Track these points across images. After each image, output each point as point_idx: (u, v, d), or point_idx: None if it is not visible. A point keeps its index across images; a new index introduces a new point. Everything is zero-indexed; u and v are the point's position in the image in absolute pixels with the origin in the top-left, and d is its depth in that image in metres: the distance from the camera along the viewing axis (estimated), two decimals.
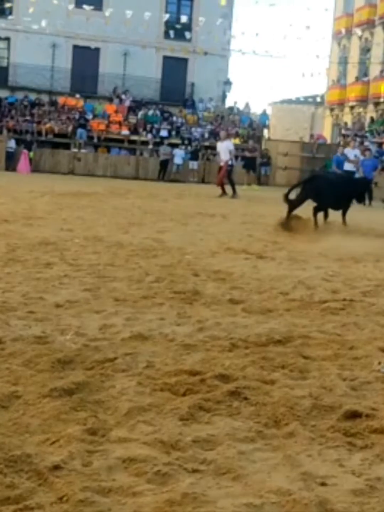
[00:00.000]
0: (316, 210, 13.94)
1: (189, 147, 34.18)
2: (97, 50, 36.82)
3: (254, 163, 32.48)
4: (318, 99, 50.25)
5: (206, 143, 34.44)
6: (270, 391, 4.22)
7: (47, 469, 3.09)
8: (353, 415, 3.90)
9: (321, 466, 3.29)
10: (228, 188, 22.38)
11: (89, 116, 34.26)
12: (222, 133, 25.94)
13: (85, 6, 34.42)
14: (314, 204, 14.01)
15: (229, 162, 23.22)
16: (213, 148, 34.46)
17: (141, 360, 4.71)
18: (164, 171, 31.85)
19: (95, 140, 33.59)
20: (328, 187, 14.13)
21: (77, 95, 35.22)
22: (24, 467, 3.11)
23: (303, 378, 4.55)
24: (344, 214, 14.52)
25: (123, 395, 4.04)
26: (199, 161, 32.94)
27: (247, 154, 32.35)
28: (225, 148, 23.25)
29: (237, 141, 35.18)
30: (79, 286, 7.11)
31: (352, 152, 25.48)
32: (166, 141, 32.99)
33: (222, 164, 23.22)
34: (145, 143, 33.73)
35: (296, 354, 5.06)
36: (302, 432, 3.65)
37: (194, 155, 33.12)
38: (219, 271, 8.42)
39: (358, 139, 33.11)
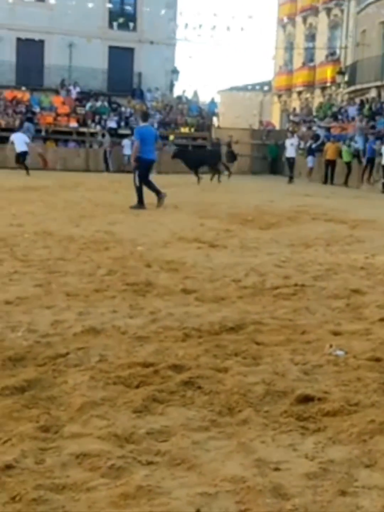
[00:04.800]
0: None
1: None
2: (41, 42, 36.32)
3: (234, 155, 33.61)
4: (266, 87, 50.48)
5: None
6: (223, 379, 4.23)
7: None
8: (306, 399, 3.94)
9: (275, 451, 3.31)
10: None
11: (36, 109, 33.81)
12: None
13: None
14: None
15: None
16: (164, 137, 34.47)
17: (93, 354, 4.68)
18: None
19: (43, 133, 33.21)
20: None
21: (23, 88, 34.69)
22: None
23: (256, 365, 4.57)
24: None
25: (76, 390, 4.01)
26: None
27: (233, 149, 33.80)
28: None
29: (186, 130, 35.18)
30: (29, 282, 7.04)
31: (289, 141, 28.93)
32: (112, 132, 32.73)
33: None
34: (94, 134, 33.46)
35: (249, 341, 5.08)
36: (256, 419, 3.68)
37: None
38: (172, 261, 8.41)
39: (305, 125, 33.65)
